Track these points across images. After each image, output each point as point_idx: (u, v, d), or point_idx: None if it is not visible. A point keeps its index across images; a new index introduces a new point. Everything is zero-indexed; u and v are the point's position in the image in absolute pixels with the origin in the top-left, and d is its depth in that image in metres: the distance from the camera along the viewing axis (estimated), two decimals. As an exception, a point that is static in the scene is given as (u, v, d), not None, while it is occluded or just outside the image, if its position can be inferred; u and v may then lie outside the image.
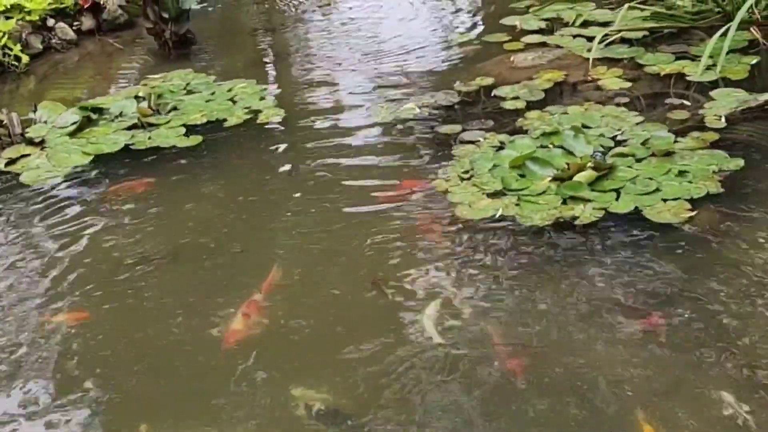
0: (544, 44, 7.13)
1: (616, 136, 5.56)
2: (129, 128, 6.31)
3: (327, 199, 5.33)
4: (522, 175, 5.21)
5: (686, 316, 4.11)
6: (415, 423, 3.70)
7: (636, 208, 4.84)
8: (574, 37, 7.16)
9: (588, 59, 6.62)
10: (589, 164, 5.12)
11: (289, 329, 4.31)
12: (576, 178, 5.06)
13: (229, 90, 6.81)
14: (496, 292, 4.41)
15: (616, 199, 4.92)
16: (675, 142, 5.38)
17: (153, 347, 4.32)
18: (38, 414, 3.93)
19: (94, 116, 6.45)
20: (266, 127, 6.32)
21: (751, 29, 6.65)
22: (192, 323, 4.41)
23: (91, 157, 5.98)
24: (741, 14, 6.28)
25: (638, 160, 5.24)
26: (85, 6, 8.42)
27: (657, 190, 4.95)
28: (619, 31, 6.92)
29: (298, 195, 5.45)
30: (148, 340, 4.36)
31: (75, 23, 8.40)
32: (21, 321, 4.51)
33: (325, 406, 3.80)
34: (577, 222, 4.79)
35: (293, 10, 8.98)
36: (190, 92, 6.83)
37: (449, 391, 3.85)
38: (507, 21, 7.68)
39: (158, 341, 4.35)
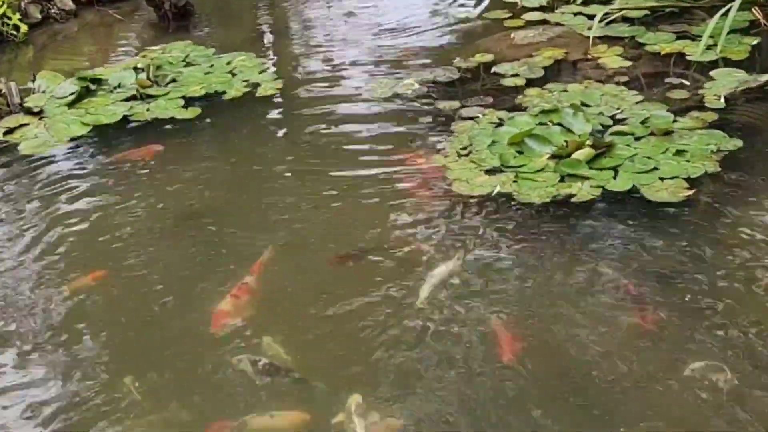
0: (544, 22, 7.12)
1: (615, 114, 5.56)
2: (127, 99, 6.30)
3: (324, 172, 5.34)
4: (520, 152, 5.22)
5: (679, 295, 4.12)
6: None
7: (634, 186, 4.85)
8: (575, 14, 7.15)
9: (588, 37, 6.60)
10: (588, 142, 5.13)
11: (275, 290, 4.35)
12: (574, 155, 5.06)
13: (229, 63, 6.80)
14: (490, 267, 4.43)
15: (614, 177, 4.93)
16: (674, 121, 5.38)
17: (148, 312, 4.33)
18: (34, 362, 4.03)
19: (92, 87, 6.44)
20: (265, 100, 6.31)
21: (753, 10, 6.64)
22: (188, 291, 4.42)
23: (90, 128, 5.98)
24: (742, -6, 6.28)
25: (637, 139, 5.24)
26: (85, -24, 8.39)
27: (655, 168, 4.96)
28: (620, 9, 6.91)
29: (294, 169, 5.47)
30: (145, 305, 4.37)
31: (74, -7, 8.36)
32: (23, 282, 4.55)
33: (269, 361, 3.87)
34: (574, 200, 4.80)
35: (294, -17, 8.95)
36: (189, 64, 6.82)
37: (411, 356, 3.88)
38: (508, -2, 7.66)
39: (152, 307, 4.36)
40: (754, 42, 6.36)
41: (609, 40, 6.64)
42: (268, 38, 7.84)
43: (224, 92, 6.37)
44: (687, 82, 5.98)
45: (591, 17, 6.89)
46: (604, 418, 3.54)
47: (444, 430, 3.54)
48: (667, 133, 5.24)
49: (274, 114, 6.25)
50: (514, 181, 4.98)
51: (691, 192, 4.75)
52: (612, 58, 6.37)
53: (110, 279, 4.56)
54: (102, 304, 4.42)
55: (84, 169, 5.62)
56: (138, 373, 3.92)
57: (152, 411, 3.75)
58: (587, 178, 4.92)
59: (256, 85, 6.45)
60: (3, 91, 6.26)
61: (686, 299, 4.09)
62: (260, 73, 6.64)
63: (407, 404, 3.66)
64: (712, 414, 3.50)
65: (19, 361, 4.07)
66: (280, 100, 6.36)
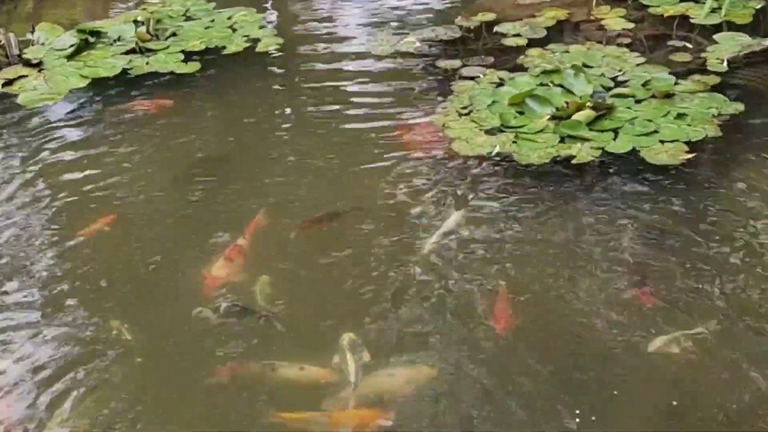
0: (548, -18, 7.06)
1: (616, 76, 5.54)
2: (127, 53, 6.26)
3: (323, 129, 5.34)
4: (521, 113, 5.20)
5: (673, 258, 4.13)
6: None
7: (633, 148, 4.84)
8: (579, -25, 7.09)
9: (592, -2, 6.57)
10: (589, 104, 5.11)
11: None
12: (575, 117, 5.04)
13: (229, 18, 6.74)
14: (488, 225, 4.43)
15: (614, 139, 4.92)
16: (676, 84, 5.36)
17: (144, 262, 4.35)
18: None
19: (91, 40, 6.40)
20: (265, 55, 6.27)
21: (758, -27, 6.59)
22: (185, 244, 4.45)
23: (89, 81, 5.95)
24: (749, -43, 6.22)
25: (638, 101, 5.22)
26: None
27: (655, 131, 4.94)
28: (625, -30, 6.85)
29: (293, 125, 5.45)
30: (141, 256, 4.40)
31: (74, -55, 8.27)
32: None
33: (233, 303, 3.95)
34: (574, 161, 4.79)
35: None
36: (189, 18, 6.76)
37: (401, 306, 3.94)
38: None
39: (150, 256, 4.38)
40: (759, 6, 6.32)
41: (612, 1, 6.61)
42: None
43: (224, 47, 6.33)
44: (690, 45, 5.95)
45: (595, -22, 6.83)
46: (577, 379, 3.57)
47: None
48: (669, 95, 5.22)
49: (274, 70, 6.21)
50: (514, 142, 4.97)
51: (691, 155, 4.74)
52: (615, 20, 6.34)
53: (111, 228, 4.59)
54: (106, 249, 4.44)
55: (83, 120, 5.61)
56: (131, 318, 3.97)
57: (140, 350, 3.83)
58: (587, 140, 4.91)
59: (257, 41, 6.41)
60: (2, 42, 6.22)
61: (682, 261, 4.10)
62: (260, 28, 6.60)
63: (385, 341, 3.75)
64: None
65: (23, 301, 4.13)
66: (280, 56, 6.31)
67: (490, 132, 5.08)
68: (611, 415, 3.40)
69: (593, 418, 3.37)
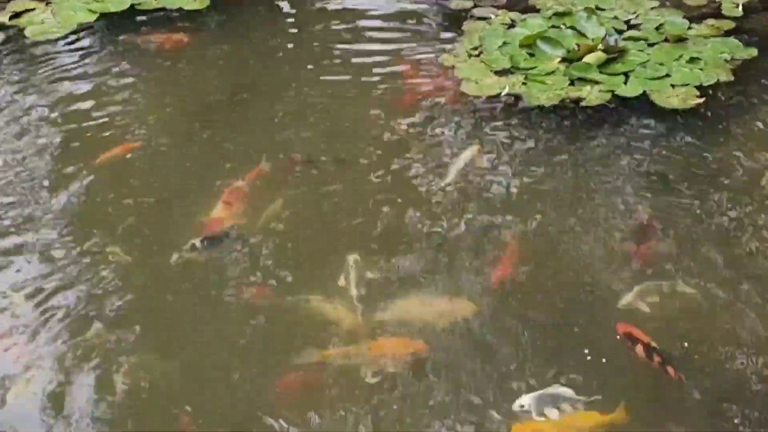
0: None
1: (629, 19, 5.46)
2: (135, -12, 6.19)
3: (333, 66, 5.31)
4: (531, 54, 5.14)
5: (680, 204, 4.11)
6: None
7: (644, 92, 4.79)
8: None
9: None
10: (600, 46, 5.05)
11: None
12: (585, 59, 4.99)
13: (239, -46, 6.65)
14: (496, 164, 4.43)
15: (625, 82, 4.87)
16: (689, 28, 5.29)
17: (148, 196, 4.39)
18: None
19: (100, -26, 6.32)
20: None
21: None
22: (190, 179, 4.48)
23: (96, 15, 5.89)
24: None
25: (650, 45, 5.16)
26: None
27: (667, 75, 4.89)
28: None
29: (302, 66, 5.41)
30: (146, 189, 4.43)
31: None
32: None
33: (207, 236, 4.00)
34: (583, 103, 4.75)
35: None
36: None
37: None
38: None
39: (154, 194, 4.41)
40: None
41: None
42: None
43: (233, -17, 6.25)
44: (705, -11, 5.85)
45: None
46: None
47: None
48: (682, 39, 5.16)
49: (284, 7, 6.14)
50: (524, 83, 4.93)
51: (701, 100, 4.70)
52: (630, -38, 6.22)
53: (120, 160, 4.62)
54: (113, 180, 4.47)
55: (93, 54, 5.56)
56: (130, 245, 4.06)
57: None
58: (597, 83, 4.86)
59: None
60: (9, -26, 6.15)
61: (689, 209, 4.08)
62: (270, -35, 6.51)
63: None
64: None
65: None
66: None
67: (500, 73, 5.03)
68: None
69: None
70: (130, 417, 3.34)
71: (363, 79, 5.16)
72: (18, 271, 3.95)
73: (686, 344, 3.46)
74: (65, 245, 4.08)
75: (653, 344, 3.39)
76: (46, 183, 4.48)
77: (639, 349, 3.40)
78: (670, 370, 3.33)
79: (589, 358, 3.43)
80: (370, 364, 3.44)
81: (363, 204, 4.22)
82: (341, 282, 3.74)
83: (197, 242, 3.96)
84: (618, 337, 3.48)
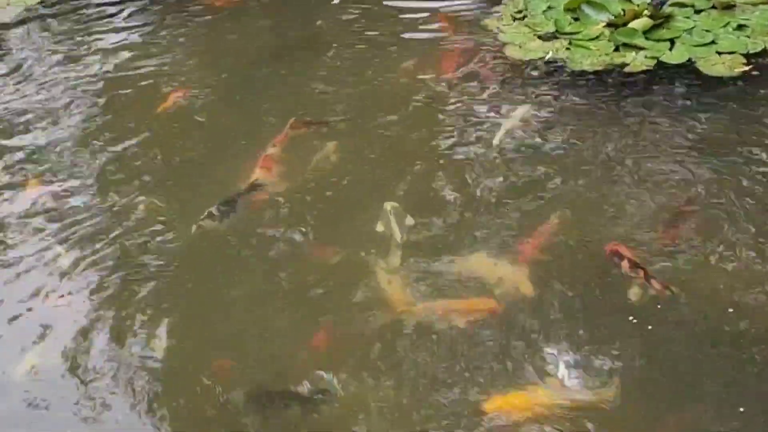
0: None
1: (677, -15, 5.39)
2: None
3: (374, 34, 5.32)
4: (576, 19, 5.11)
5: (723, 168, 4.09)
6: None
7: (689, 59, 4.74)
8: None
9: None
10: (646, 12, 5.00)
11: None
12: (631, 25, 4.95)
13: None
14: (538, 130, 4.43)
15: (670, 48, 4.82)
16: (737, -5, 5.22)
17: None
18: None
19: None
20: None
21: None
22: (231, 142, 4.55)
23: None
24: None
25: (697, 12, 5.08)
26: None
27: (713, 42, 4.83)
28: None
29: (348, 22, 5.43)
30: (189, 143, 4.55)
31: None
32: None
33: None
34: (627, 69, 4.72)
35: None
36: None
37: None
38: None
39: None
40: None
41: None
42: None
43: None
44: (757, -45, 5.75)
45: None
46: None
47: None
48: (729, 6, 5.08)
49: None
50: (567, 48, 4.91)
51: (748, 67, 4.65)
52: (680, -73, 6.13)
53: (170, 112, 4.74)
54: (160, 131, 4.61)
55: (145, 9, 5.68)
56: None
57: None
58: (642, 49, 4.82)
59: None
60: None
61: (732, 172, 4.06)
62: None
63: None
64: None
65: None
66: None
67: (543, 37, 5.01)
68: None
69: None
70: (174, 367, 3.43)
71: (405, 36, 5.20)
72: (64, 223, 4.05)
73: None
74: (108, 198, 4.20)
75: (637, 260, 3.54)
76: (92, 138, 4.58)
77: (624, 264, 3.55)
78: (655, 283, 3.45)
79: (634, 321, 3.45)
80: (439, 320, 3.48)
81: (405, 162, 4.25)
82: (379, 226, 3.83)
83: (214, 210, 4.01)
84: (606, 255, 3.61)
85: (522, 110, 4.48)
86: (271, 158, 4.32)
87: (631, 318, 3.43)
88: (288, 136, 4.45)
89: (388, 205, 3.91)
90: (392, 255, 3.72)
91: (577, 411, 3.11)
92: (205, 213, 3.98)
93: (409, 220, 3.84)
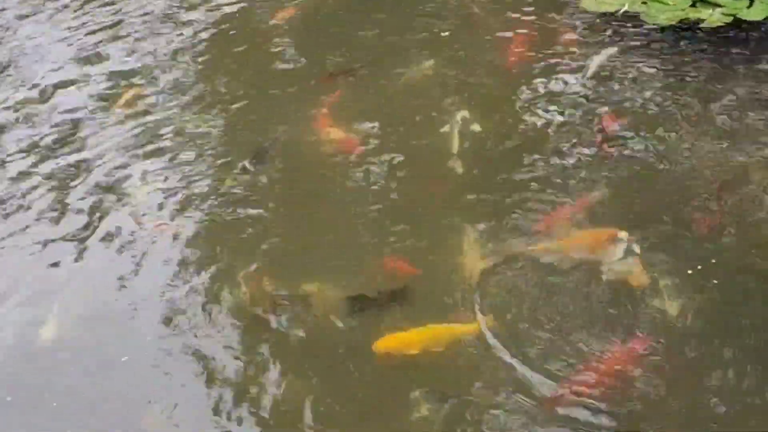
0: None
1: (760, -60, 5.29)
2: None
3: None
4: (655, -27, 5.07)
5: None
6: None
7: (768, 17, 4.69)
8: None
9: None
10: (727, -33, 4.93)
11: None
12: (711, -20, 4.89)
13: None
14: (610, 80, 4.48)
15: (749, 6, 4.75)
16: (822, -48, 5.09)
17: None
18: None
19: None
20: None
21: None
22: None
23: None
24: None
25: (780, -32, 5.00)
26: None
27: (794, 0, 4.75)
28: None
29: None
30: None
31: None
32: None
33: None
34: (702, 26, 4.68)
35: None
36: None
37: None
38: None
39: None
40: None
41: None
42: None
43: None
44: None
45: None
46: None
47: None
48: (813, -36, 4.97)
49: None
50: (644, 2, 4.88)
51: (830, 25, 4.57)
52: None
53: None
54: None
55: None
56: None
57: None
58: (719, 5, 4.76)
59: None
60: None
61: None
62: None
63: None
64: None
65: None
66: None
67: (620, -9, 5.01)
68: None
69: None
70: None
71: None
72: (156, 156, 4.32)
73: None
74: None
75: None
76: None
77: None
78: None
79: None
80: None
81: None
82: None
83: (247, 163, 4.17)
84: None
85: (610, 50, 4.61)
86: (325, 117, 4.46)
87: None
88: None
89: (459, 114, 4.17)
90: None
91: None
92: (239, 166, 4.16)
93: (476, 127, 4.13)
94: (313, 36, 5.15)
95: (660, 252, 3.49)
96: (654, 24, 4.74)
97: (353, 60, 4.82)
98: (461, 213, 3.77)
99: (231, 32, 5.23)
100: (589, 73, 4.47)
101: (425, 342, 3.24)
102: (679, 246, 3.54)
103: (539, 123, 4.24)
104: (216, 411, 3.12)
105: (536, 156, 4.04)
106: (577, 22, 4.92)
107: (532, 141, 4.12)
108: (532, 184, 3.89)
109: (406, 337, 3.26)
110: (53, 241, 3.88)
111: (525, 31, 4.90)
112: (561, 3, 5.06)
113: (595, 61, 4.52)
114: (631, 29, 4.79)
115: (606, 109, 4.24)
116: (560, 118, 4.25)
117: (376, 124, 4.33)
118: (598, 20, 4.89)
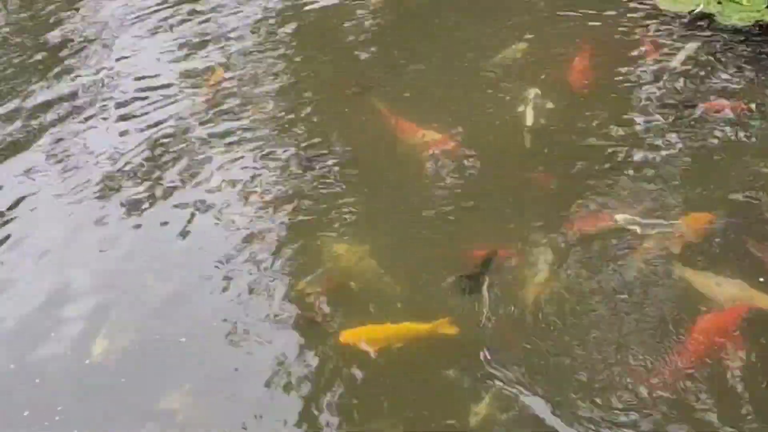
0: None
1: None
2: None
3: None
4: (732, -26, 5.14)
5: None
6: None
7: None
8: None
9: None
10: (806, -30, 4.98)
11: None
12: (789, -18, 4.95)
13: None
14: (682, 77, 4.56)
15: (826, 9, 4.83)
16: None
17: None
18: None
19: None
20: None
21: None
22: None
23: None
24: None
25: None
26: None
27: None
28: None
29: None
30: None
31: None
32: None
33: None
34: (776, 27, 4.76)
35: None
36: None
37: None
38: None
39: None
40: None
41: None
42: None
43: None
44: None
45: None
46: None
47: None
48: None
49: None
50: (719, 2, 4.95)
51: None
52: None
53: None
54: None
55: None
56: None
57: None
58: (796, 7, 4.84)
59: None
60: None
61: None
62: None
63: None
64: None
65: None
66: None
67: (697, -10, 5.08)
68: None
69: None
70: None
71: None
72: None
73: None
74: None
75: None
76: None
77: None
78: None
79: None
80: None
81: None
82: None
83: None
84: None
85: (693, 44, 4.71)
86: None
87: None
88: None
89: (532, 91, 4.32)
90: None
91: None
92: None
93: (549, 104, 4.29)
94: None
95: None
96: (728, 24, 4.82)
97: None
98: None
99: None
100: (676, 62, 4.58)
101: (389, 339, 3.27)
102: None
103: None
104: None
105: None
106: (652, 21, 5.01)
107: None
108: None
109: (370, 332, 3.30)
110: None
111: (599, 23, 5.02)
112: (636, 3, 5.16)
113: (681, 54, 4.62)
114: (705, 30, 4.87)
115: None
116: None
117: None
118: (671, 19, 4.97)
